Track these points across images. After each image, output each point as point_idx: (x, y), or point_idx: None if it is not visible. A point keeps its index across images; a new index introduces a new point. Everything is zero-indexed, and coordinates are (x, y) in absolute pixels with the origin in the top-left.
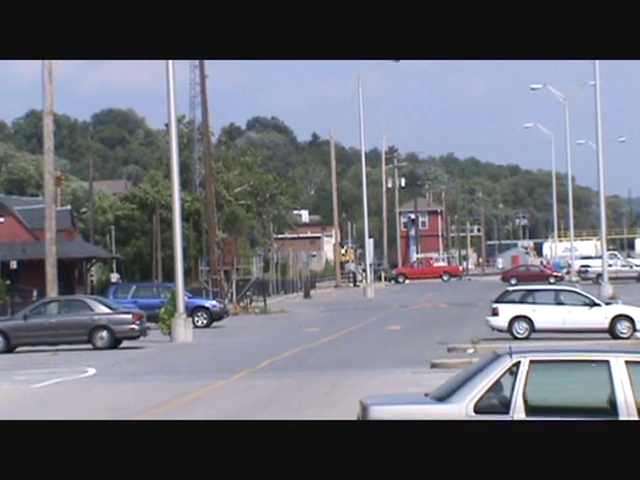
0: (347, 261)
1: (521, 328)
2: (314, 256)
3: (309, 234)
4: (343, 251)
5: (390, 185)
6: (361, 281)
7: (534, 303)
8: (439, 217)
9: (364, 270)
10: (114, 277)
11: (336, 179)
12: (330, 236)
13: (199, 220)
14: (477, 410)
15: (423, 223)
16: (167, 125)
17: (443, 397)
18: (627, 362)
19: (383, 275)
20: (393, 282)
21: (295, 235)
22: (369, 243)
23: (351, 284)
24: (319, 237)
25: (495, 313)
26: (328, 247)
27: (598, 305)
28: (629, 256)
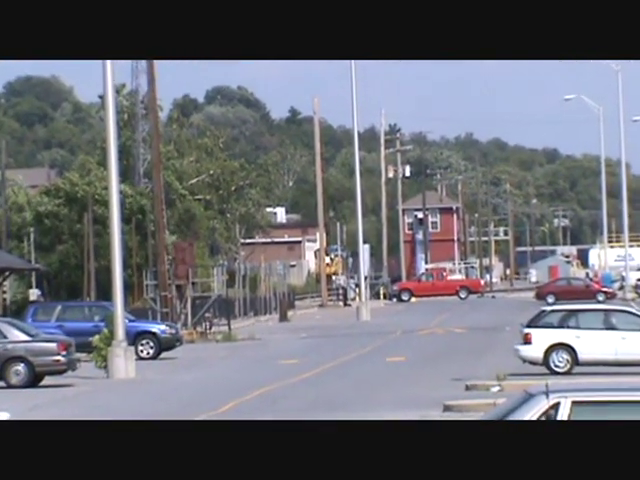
0: (335, 273)
1: (561, 360)
2: (293, 266)
3: (286, 238)
4: (328, 260)
5: (391, 175)
6: (354, 299)
7: (578, 328)
8: (454, 216)
9: (357, 285)
10: (33, 294)
11: (321, 167)
12: (313, 241)
13: (144, 220)
14: None
15: (434, 224)
16: (102, 97)
17: None
18: None
19: (382, 291)
20: (395, 300)
21: (268, 239)
22: (364, 250)
23: (341, 303)
24: (299, 242)
25: (527, 340)
26: (311, 255)
27: None
28: None
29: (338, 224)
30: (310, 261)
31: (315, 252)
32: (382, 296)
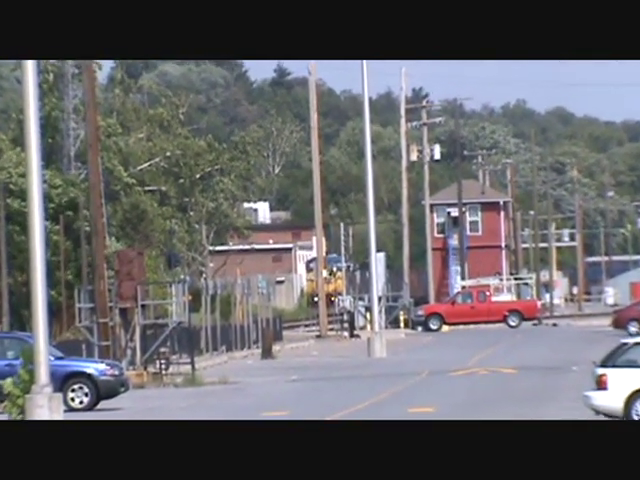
0: (337, 292)
1: None
2: (280, 283)
3: (271, 244)
4: (326, 274)
5: (415, 157)
6: (363, 328)
7: None
8: (501, 214)
9: (368, 309)
10: None
11: (319, 147)
12: (308, 248)
13: (76, 220)
14: None
15: (473, 225)
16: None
17: None
18: None
19: (402, 317)
20: (420, 329)
21: (247, 246)
22: (377, 260)
23: (346, 333)
24: (289, 249)
25: (602, 385)
26: (304, 267)
27: None
28: None
29: (342, 225)
30: (304, 276)
31: (308, 263)
32: (402, 324)
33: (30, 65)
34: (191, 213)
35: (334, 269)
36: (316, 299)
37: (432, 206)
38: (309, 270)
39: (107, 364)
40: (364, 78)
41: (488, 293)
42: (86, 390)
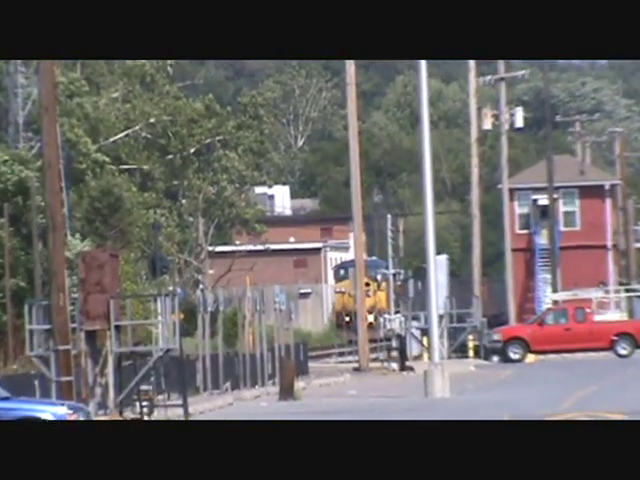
0: (380, 309)
1: None
2: (305, 296)
3: (293, 243)
4: (365, 287)
5: (489, 126)
6: (418, 358)
7: None
8: (607, 202)
9: (424, 332)
10: None
11: (357, 111)
12: (342, 249)
13: (27, 209)
14: None
15: (569, 217)
16: None
17: None
18: None
19: (471, 343)
20: (496, 359)
21: (259, 246)
22: (437, 266)
23: (394, 365)
24: (317, 250)
25: None
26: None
27: None
28: None
29: (389, 217)
30: (336, 286)
31: (337, 269)
32: (472, 352)
33: None
34: (183, 201)
35: (379, 277)
36: (347, 319)
37: (512, 191)
38: (339, 279)
39: (69, 407)
40: None
41: (589, 310)
42: None
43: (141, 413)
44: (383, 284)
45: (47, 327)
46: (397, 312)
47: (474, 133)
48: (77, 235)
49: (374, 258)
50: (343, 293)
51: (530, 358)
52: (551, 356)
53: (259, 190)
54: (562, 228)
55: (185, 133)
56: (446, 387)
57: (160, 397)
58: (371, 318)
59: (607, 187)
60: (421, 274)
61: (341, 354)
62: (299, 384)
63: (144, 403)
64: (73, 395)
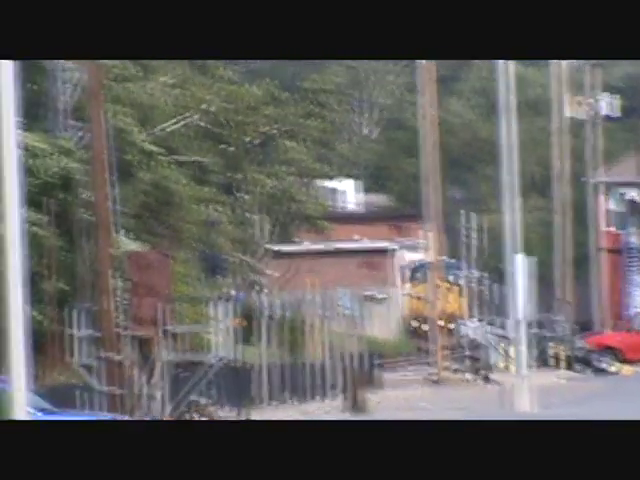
0: (454, 315)
1: None
2: (374, 300)
3: (361, 242)
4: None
5: (577, 114)
6: (500, 368)
7: None
8: None
9: (506, 339)
10: None
11: (432, 97)
12: (416, 249)
13: (70, 204)
14: None
15: None
16: None
17: None
18: None
19: (559, 352)
20: (587, 371)
21: (324, 245)
22: (519, 266)
23: (470, 376)
24: (387, 251)
25: None
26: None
27: None
28: None
29: (463, 214)
30: (408, 289)
31: (406, 270)
32: (560, 362)
33: None
34: (241, 196)
35: (457, 281)
36: (416, 325)
37: (600, 185)
38: (407, 280)
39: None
40: None
41: None
42: None
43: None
44: (454, 287)
45: (92, 333)
46: (475, 318)
47: (557, 122)
48: (124, 233)
49: (447, 258)
50: (412, 297)
51: (626, 369)
52: None
53: (323, 184)
54: None
55: (243, 121)
56: (534, 400)
57: (213, 408)
58: (444, 324)
59: None
60: (501, 276)
61: (413, 364)
62: (368, 396)
63: (196, 416)
64: (118, 407)
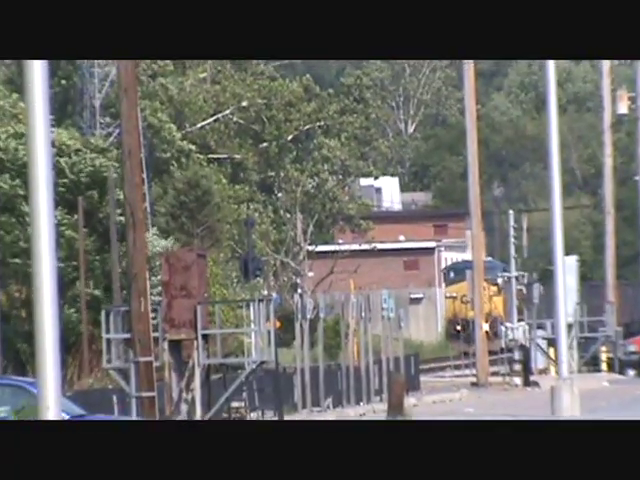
0: (497, 317)
1: None
2: (417, 302)
3: (403, 242)
4: (492, 289)
5: (625, 109)
6: (544, 371)
7: None
8: None
9: (551, 342)
10: None
11: (475, 93)
12: (460, 249)
13: (103, 204)
14: None
15: None
16: None
17: None
18: None
19: (604, 355)
20: (633, 373)
21: (365, 245)
22: (566, 267)
23: (516, 380)
24: (430, 250)
25: None
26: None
27: None
28: None
29: (511, 213)
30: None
31: (447, 272)
32: (605, 365)
33: None
34: (279, 195)
35: (501, 281)
36: (458, 327)
37: None
38: (449, 282)
39: None
40: None
41: None
42: None
43: None
44: (494, 288)
45: (126, 336)
46: (520, 320)
47: (607, 118)
48: (158, 232)
49: (491, 259)
50: (454, 298)
51: None
52: None
53: (364, 182)
54: None
55: (281, 118)
56: (576, 405)
57: (253, 414)
58: (486, 327)
59: None
60: (547, 277)
61: (457, 367)
62: (410, 401)
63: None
64: (156, 412)
